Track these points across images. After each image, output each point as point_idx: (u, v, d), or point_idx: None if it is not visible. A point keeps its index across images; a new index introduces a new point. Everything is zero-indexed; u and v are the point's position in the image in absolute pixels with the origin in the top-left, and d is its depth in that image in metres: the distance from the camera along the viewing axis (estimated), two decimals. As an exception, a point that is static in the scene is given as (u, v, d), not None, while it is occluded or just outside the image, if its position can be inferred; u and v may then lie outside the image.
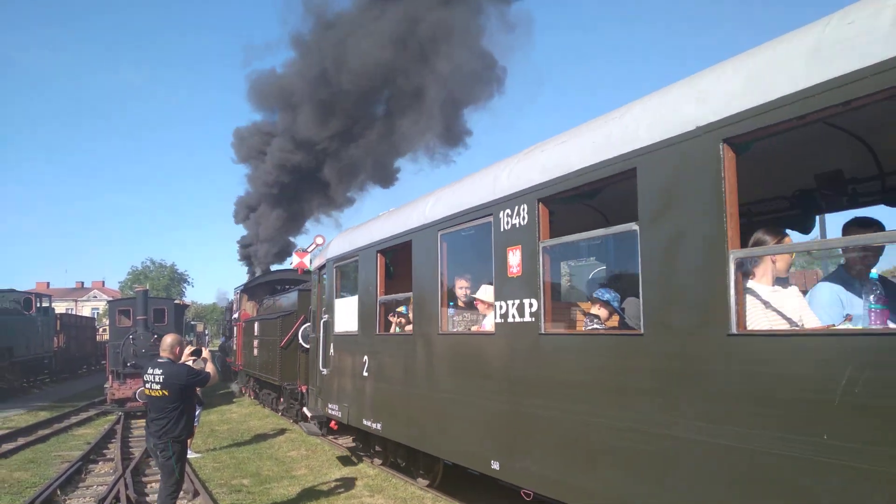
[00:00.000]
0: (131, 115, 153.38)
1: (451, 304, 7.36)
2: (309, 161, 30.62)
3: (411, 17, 28.17)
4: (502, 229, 6.06)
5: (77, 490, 10.48)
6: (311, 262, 17.74)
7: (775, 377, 3.67)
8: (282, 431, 14.99)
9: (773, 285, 4.21)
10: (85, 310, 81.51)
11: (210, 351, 8.14)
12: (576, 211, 6.21)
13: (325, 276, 11.27)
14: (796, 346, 3.64)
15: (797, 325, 4.07)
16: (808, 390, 3.49)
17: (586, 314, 5.76)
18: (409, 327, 8.15)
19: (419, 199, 8.25)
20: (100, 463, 12.68)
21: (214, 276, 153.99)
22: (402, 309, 8.60)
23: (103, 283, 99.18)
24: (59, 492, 9.90)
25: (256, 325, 19.86)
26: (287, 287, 20.17)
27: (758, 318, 4.05)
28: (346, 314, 10.04)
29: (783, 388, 3.62)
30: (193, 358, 7.81)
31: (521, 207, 5.79)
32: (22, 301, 30.89)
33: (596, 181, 5.02)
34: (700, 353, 4.11)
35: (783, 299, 4.15)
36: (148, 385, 7.36)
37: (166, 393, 7.24)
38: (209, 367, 7.92)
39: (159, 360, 7.49)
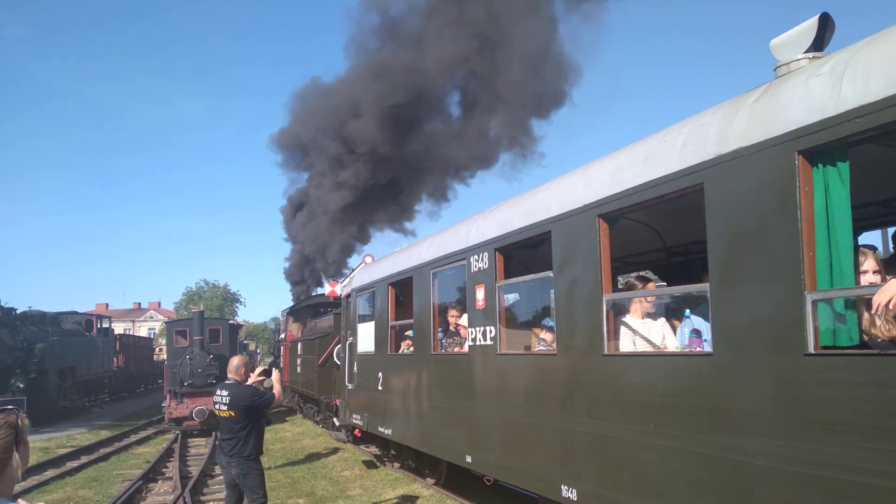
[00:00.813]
0: (187, 143, 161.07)
1: (442, 329, 9.21)
2: (369, 174, 31.27)
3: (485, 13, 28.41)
4: (472, 271, 7.91)
5: (138, 509, 11.32)
6: (342, 290, 19.82)
7: (628, 385, 5.40)
8: (335, 451, 15.66)
9: (644, 318, 5.93)
10: (142, 330, 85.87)
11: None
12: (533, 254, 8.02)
13: (350, 303, 13.28)
14: (638, 363, 5.38)
15: (660, 348, 5.78)
16: (643, 394, 5.21)
17: (537, 337, 7.53)
18: (412, 349, 10.04)
19: (420, 241, 10.19)
20: (159, 482, 13.46)
21: (265, 296, 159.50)
22: (409, 332, 10.47)
23: (159, 303, 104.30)
24: (121, 510, 10.60)
25: (299, 345, 22.11)
26: (328, 310, 22.31)
27: (628, 343, 5.78)
28: (366, 337, 12.00)
29: (631, 392, 5.35)
30: (262, 378, 8.27)
31: (484, 255, 7.63)
32: (84, 322, 32.99)
33: (529, 237, 6.83)
34: (586, 368, 5.86)
35: (650, 328, 5.86)
36: (217, 406, 7.86)
37: (233, 414, 7.68)
38: (276, 389, 8.25)
39: (226, 382, 7.97)
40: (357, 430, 12.65)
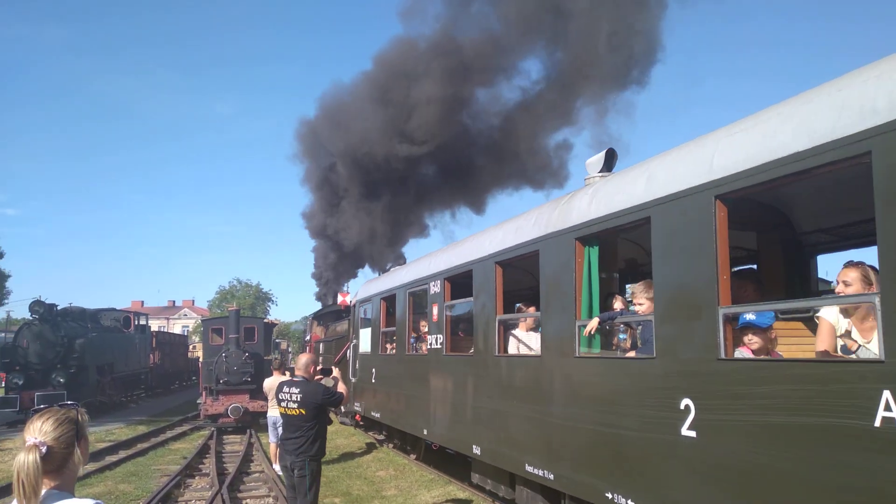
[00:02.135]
0: (222, 143, 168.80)
1: (414, 336, 12.61)
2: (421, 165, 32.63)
3: None
4: (431, 293, 11.31)
5: (176, 504, 12.19)
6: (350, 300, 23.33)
7: (505, 375, 8.71)
8: (368, 450, 16.42)
9: (528, 331, 9.19)
10: (176, 327, 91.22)
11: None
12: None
13: (355, 312, 16.80)
14: (510, 361, 8.69)
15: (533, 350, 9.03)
16: (511, 380, 8.51)
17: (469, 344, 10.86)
18: (394, 350, 13.46)
19: (404, 266, 13.61)
20: (196, 478, 14.22)
21: (297, 294, 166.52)
22: (393, 337, 13.89)
23: (193, 301, 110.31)
24: (161, 506, 11.50)
25: (321, 346, 25.70)
26: (345, 316, 25.74)
27: (513, 348, 9.06)
28: (365, 340, 15.53)
29: (506, 379, 8.65)
30: (321, 377, 8.62)
31: (438, 281, 11.01)
32: (122, 319, 35.31)
33: (462, 273, 10.20)
34: (486, 364, 9.18)
35: (530, 338, 9.13)
36: (284, 404, 7.98)
37: (303, 412, 7.87)
38: (341, 387, 8.55)
39: (295, 380, 8.17)
40: (357, 416, 16.13)
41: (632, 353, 6.62)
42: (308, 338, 32.06)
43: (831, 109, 4.46)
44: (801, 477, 4.44)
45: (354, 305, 17.20)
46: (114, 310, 36.10)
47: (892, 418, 3.88)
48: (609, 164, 7.78)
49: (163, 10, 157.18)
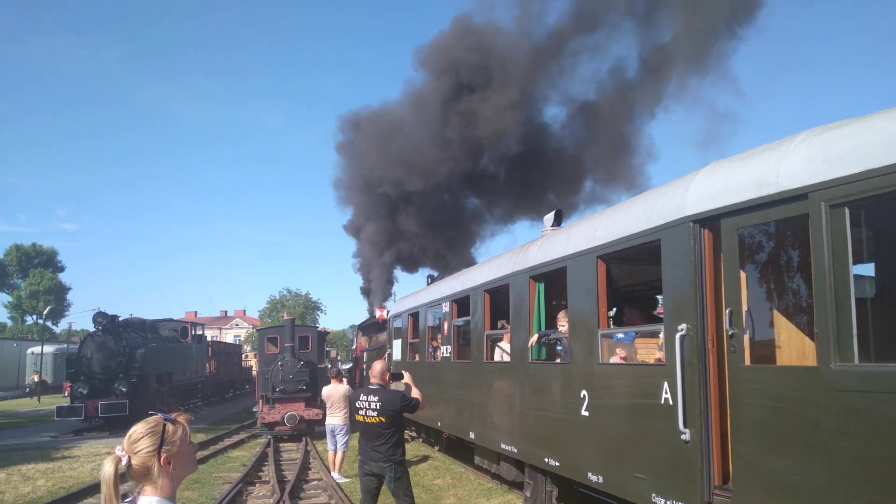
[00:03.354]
0: (270, 154, 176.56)
1: (432, 347, 15.96)
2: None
3: None
4: (443, 311, 14.65)
5: (240, 511, 12.98)
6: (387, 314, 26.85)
7: (489, 376, 11.97)
8: (424, 458, 17.24)
9: (508, 343, 12.45)
10: (228, 337, 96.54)
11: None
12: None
13: (390, 325, 20.28)
14: (492, 366, 11.97)
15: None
16: (493, 380, 11.79)
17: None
18: (417, 358, 16.85)
19: (426, 288, 17.05)
20: (256, 485, 15.11)
21: (344, 303, 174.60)
22: (417, 347, 17.27)
23: (244, 311, 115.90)
24: (225, 512, 12.34)
25: (364, 354, 29.35)
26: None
27: (498, 356, 12.34)
28: (398, 349, 18.99)
29: (489, 380, 11.91)
30: (390, 382, 9.08)
31: (446, 303, 14.36)
32: (179, 329, 37.69)
33: (462, 297, 13.49)
34: (479, 369, 12.46)
35: (508, 348, 12.40)
36: (362, 412, 8.43)
37: (382, 420, 8.32)
38: (415, 393, 8.99)
39: (371, 387, 8.61)
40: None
41: (558, 360, 9.87)
42: (354, 346, 35.82)
43: (645, 213, 7.68)
44: (635, 435, 7.62)
45: (390, 319, 20.69)
46: (171, 320, 38.92)
47: (667, 398, 7.04)
48: (558, 220, 11.03)
49: (210, 21, 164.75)
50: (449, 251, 35.52)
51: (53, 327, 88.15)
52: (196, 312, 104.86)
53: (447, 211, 35.92)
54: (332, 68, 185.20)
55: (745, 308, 6.16)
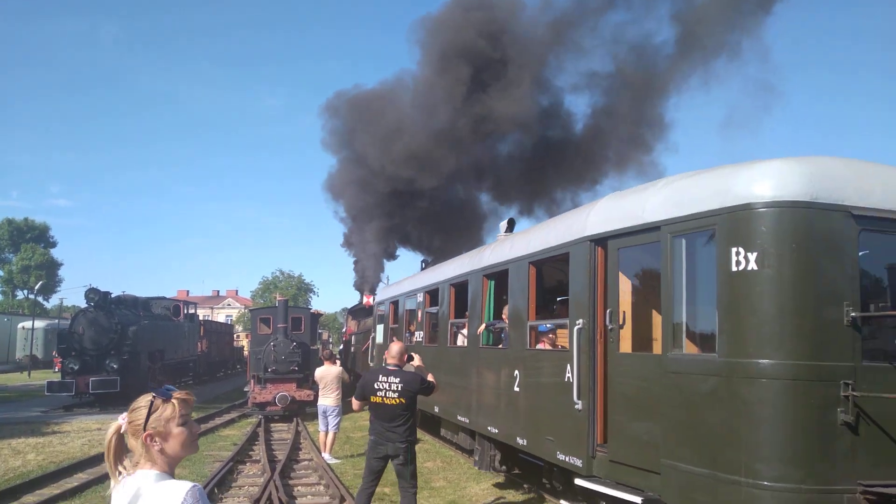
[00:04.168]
0: (266, 136, 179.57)
1: (408, 332, 18.30)
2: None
3: None
4: (418, 300, 17.00)
5: (230, 490, 13.11)
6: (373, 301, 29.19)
7: (450, 358, 14.30)
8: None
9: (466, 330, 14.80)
10: (219, 317, 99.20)
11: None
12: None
13: (374, 310, 22.68)
14: (454, 350, 14.32)
15: (478, 345, 14.66)
16: (458, 363, 14.12)
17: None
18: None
19: (404, 279, 19.43)
20: (247, 464, 15.52)
21: (337, 285, 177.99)
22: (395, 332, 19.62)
23: (237, 292, 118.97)
24: (216, 490, 12.49)
25: (353, 337, 31.72)
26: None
27: (459, 341, 14.68)
28: (380, 333, 21.39)
29: (451, 362, 14.24)
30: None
31: (421, 294, 16.70)
32: (171, 308, 38.95)
33: (433, 289, 15.82)
34: (444, 352, 14.80)
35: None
36: (381, 394, 8.58)
37: (402, 401, 8.54)
38: (430, 376, 9.27)
39: (389, 368, 8.84)
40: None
41: (501, 346, 12.21)
42: (345, 329, 38.33)
43: (562, 231, 10.04)
44: (549, 406, 9.94)
45: (375, 306, 23.06)
46: (164, 298, 40.03)
47: (569, 377, 9.33)
48: (511, 228, 13.36)
49: (210, 3, 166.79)
50: (450, 243, 34.31)
51: (44, 302, 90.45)
52: (188, 291, 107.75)
53: (453, 208, 36.10)
54: (332, 54, 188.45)
55: (620, 309, 8.47)
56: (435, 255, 30.41)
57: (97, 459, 15.35)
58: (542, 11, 32.23)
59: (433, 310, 16.20)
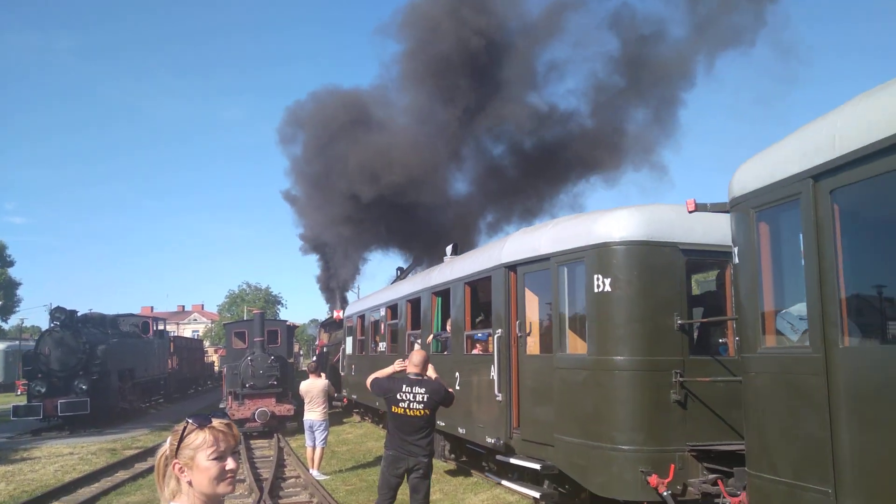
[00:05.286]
0: (228, 147, 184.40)
1: (374, 343, 21.34)
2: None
3: None
4: (381, 314, 20.04)
5: (220, 511, 14.32)
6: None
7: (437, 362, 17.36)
8: None
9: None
10: (186, 332, 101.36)
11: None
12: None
13: (345, 323, 25.77)
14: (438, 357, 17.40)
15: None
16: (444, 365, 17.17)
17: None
18: (363, 352, 22.26)
19: (370, 295, 22.51)
20: None
21: (305, 297, 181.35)
22: (362, 343, 22.64)
23: (202, 306, 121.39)
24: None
25: (325, 349, 34.70)
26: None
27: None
28: (350, 345, 24.42)
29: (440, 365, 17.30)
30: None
31: (383, 308, 19.73)
32: (140, 325, 38.47)
33: (394, 304, 18.87)
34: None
35: (428, 345, 17.81)
36: (405, 405, 8.64)
37: (427, 412, 8.65)
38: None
39: (413, 378, 8.93)
40: (345, 399, 25.08)
41: (445, 352, 15.24)
42: (317, 342, 41.36)
43: (485, 258, 13.10)
44: (480, 399, 12.99)
45: (344, 320, 26.15)
46: (132, 315, 40.29)
47: (493, 375, 12.34)
48: (456, 251, 16.40)
49: (169, 13, 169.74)
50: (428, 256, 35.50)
51: (3, 324, 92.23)
52: (152, 307, 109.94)
53: (428, 216, 37.81)
54: (295, 60, 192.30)
55: (528, 320, 11.54)
56: (415, 261, 33.03)
57: (72, 486, 15.67)
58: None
59: (394, 322, 19.18)
